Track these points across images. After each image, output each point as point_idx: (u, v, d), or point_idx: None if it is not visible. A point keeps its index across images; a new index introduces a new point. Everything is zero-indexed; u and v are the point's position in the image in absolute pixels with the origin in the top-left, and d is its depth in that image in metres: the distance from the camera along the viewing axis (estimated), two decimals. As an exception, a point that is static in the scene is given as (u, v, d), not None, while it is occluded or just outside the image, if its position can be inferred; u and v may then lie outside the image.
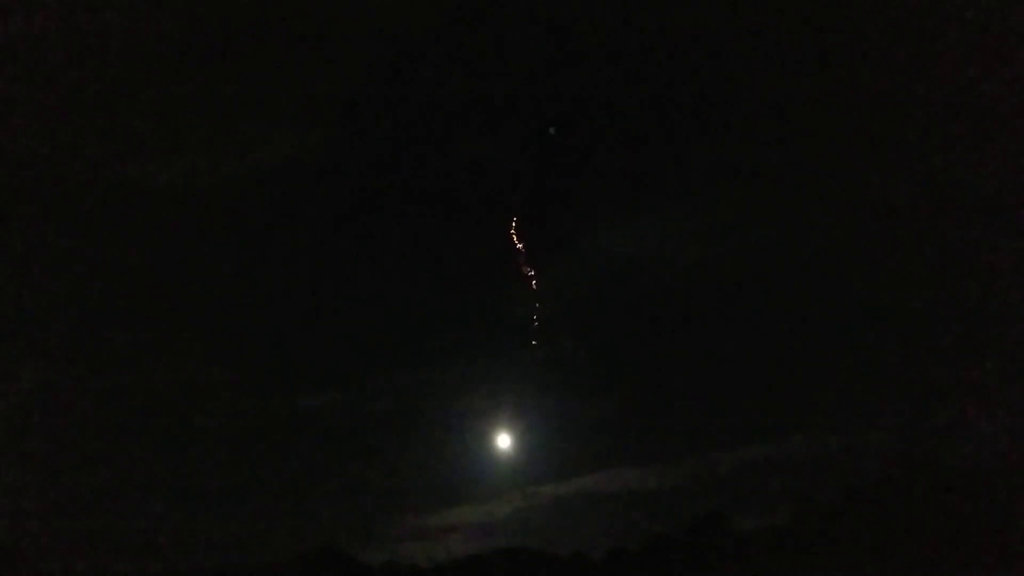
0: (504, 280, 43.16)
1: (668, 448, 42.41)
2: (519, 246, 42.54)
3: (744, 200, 43.68)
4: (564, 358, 42.99)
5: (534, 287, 42.48)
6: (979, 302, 37.12)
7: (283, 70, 41.69)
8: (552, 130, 42.31)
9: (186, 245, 42.38)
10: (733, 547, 39.54)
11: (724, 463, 41.60)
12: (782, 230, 43.06)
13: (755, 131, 42.61)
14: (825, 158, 41.72)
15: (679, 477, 41.97)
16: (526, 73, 42.72)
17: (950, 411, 36.85)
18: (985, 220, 37.18)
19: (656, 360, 43.90)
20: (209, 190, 42.00)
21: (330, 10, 40.57)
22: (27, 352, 38.64)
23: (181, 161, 41.60)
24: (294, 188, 43.87)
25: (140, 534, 39.08)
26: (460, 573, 40.85)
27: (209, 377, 42.22)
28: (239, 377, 42.75)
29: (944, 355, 37.53)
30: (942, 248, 38.48)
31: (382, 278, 44.58)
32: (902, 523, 35.82)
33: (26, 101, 38.35)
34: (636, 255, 45.01)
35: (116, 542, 38.62)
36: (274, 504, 41.37)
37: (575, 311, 43.90)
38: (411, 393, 43.91)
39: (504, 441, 41.20)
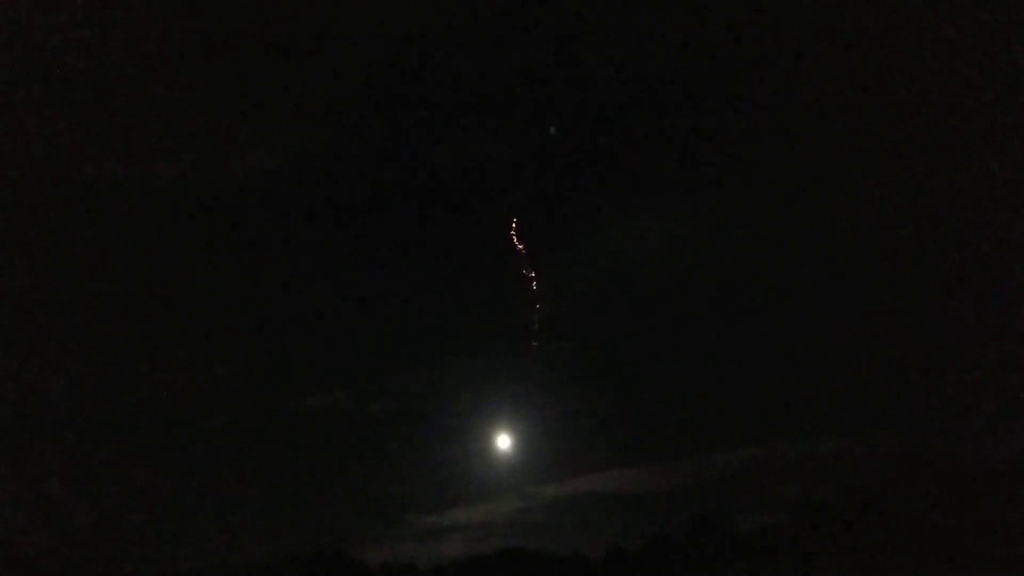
0: (504, 281, 43.22)
1: (668, 449, 42.46)
2: (519, 247, 42.58)
3: (745, 200, 43.73)
4: (564, 359, 43.03)
5: (534, 288, 42.52)
6: (979, 302, 37.12)
7: (283, 70, 41.77)
8: (552, 130, 42.38)
9: (186, 245, 42.44)
10: (732, 548, 39.50)
11: (723, 464, 41.65)
12: (783, 231, 43.10)
13: (756, 131, 42.62)
14: (826, 158, 41.73)
15: (679, 478, 42.00)
16: (526, 73, 42.80)
17: (950, 412, 36.88)
18: (985, 220, 37.17)
19: (656, 361, 43.90)
20: (210, 190, 42.13)
21: (330, 10, 40.61)
22: (27, 352, 38.60)
23: (181, 161, 41.68)
24: (295, 188, 43.93)
25: (140, 534, 39.11)
26: (459, 573, 40.82)
27: (209, 377, 42.28)
28: (238, 378, 42.84)
29: (944, 356, 37.58)
30: (942, 248, 38.47)
31: (382, 278, 44.59)
32: (902, 524, 35.81)
33: (25, 102, 38.38)
34: (636, 256, 44.97)
35: (116, 542, 38.64)
36: (274, 505, 41.42)
37: (575, 312, 43.91)
38: (411, 394, 43.96)
39: (504, 441, 41.24)
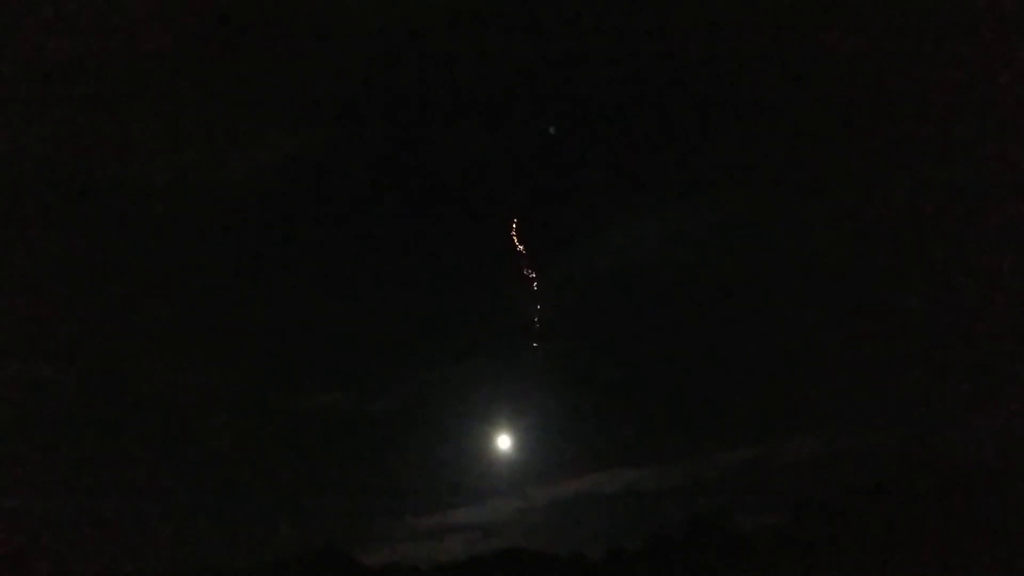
0: (505, 281, 43.25)
1: (667, 448, 42.51)
2: (520, 247, 42.60)
3: (744, 201, 43.77)
4: (564, 359, 43.07)
5: (535, 288, 42.54)
6: (978, 302, 37.11)
7: (283, 70, 41.73)
8: (552, 129, 42.39)
9: (186, 245, 42.46)
10: (732, 547, 39.51)
11: (722, 463, 41.70)
12: (782, 231, 43.13)
13: (756, 132, 42.66)
14: (824, 159, 41.78)
15: (678, 477, 42.06)
16: (526, 73, 42.80)
17: (949, 411, 36.89)
18: (984, 220, 37.17)
19: (655, 361, 43.96)
20: (210, 190, 42.12)
21: (330, 10, 40.63)
22: (28, 353, 38.64)
23: (181, 161, 41.72)
24: (295, 189, 43.97)
25: (140, 534, 39.16)
26: (459, 574, 40.83)
27: (209, 378, 42.35)
28: (239, 378, 42.88)
29: (943, 355, 37.56)
30: (941, 248, 38.49)
31: (382, 279, 44.66)
32: (901, 523, 35.80)
33: (27, 102, 38.41)
34: (636, 256, 45.09)
35: (116, 542, 38.67)
36: (274, 505, 41.44)
37: (575, 312, 43.95)
38: (411, 394, 44.06)
39: (504, 442, 41.29)
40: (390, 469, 42.45)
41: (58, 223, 39.54)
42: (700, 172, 43.76)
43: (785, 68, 40.68)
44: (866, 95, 39.50)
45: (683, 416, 42.91)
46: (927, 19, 37.44)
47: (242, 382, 42.65)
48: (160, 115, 40.81)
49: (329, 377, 43.81)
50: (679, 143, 43.87)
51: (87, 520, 38.26)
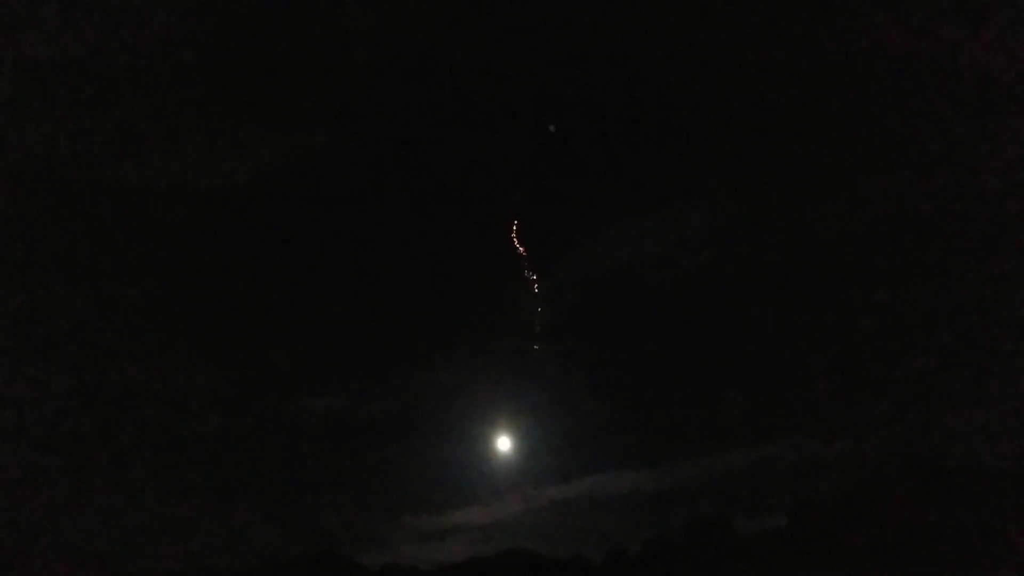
0: (505, 283, 43.28)
1: (668, 451, 42.46)
2: (520, 249, 42.62)
3: (744, 203, 43.79)
4: (565, 361, 43.05)
5: (535, 290, 42.54)
6: (977, 304, 37.06)
7: (284, 72, 41.95)
8: (552, 128, 42.43)
9: (186, 247, 42.59)
10: (733, 549, 39.41)
11: (723, 466, 41.62)
12: (782, 234, 43.13)
13: (756, 133, 42.70)
14: (823, 161, 41.80)
15: (679, 480, 42.01)
16: (526, 75, 42.91)
17: (948, 413, 36.76)
18: (983, 222, 37.15)
19: (656, 363, 43.94)
20: (210, 192, 42.26)
21: (330, 12, 40.83)
22: (29, 354, 38.70)
23: (183, 164, 41.87)
24: (294, 190, 44.09)
25: (141, 535, 39.14)
26: (461, 575, 40.79)
27: (209, 380, 42.36)
28: (240, 380, 42.93)
29: (942, 357, 37.48)
30: (940, 250, 38.47)
31: (382, 281, 44.74)
32: (900, 525, 35.67)
33: (29, 104, 38.59)
34: (637, 259, 45.09)
35: (117, 543, 38.65)
36: (275, 506, 41.49)
37: (576, 314, 43.95)
38: (412, 396, 44.06)
39: (505, 444, 41.25)
40: (391, 470, 42.51)
41: (58, 223, 39.65)
42: (700, 174, 43.81)
43: (785, 68, 40.77)
44: (866, 95, 39.58)
45: (683, 418, 42.88)
46: (927, 19, 37.48)
47: (242, 384, 42.78)
48: (160, 116, 41.08)
49: (329, 379, 43.95)
50: (679, 145, 43.97)
51: (87, 520, 38.29)
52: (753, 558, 38.45)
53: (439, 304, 44.32)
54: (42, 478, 37.85)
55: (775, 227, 42.95)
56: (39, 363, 38.56)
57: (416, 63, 42.93)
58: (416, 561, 41.62)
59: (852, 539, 36.51)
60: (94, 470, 39.05)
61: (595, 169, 44.72)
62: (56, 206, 39.75)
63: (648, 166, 44.57)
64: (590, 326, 44.30)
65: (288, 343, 43.70)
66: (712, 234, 44.27)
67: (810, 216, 42.15)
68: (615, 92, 43.27)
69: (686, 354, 43.49)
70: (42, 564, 36.82)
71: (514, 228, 42.74)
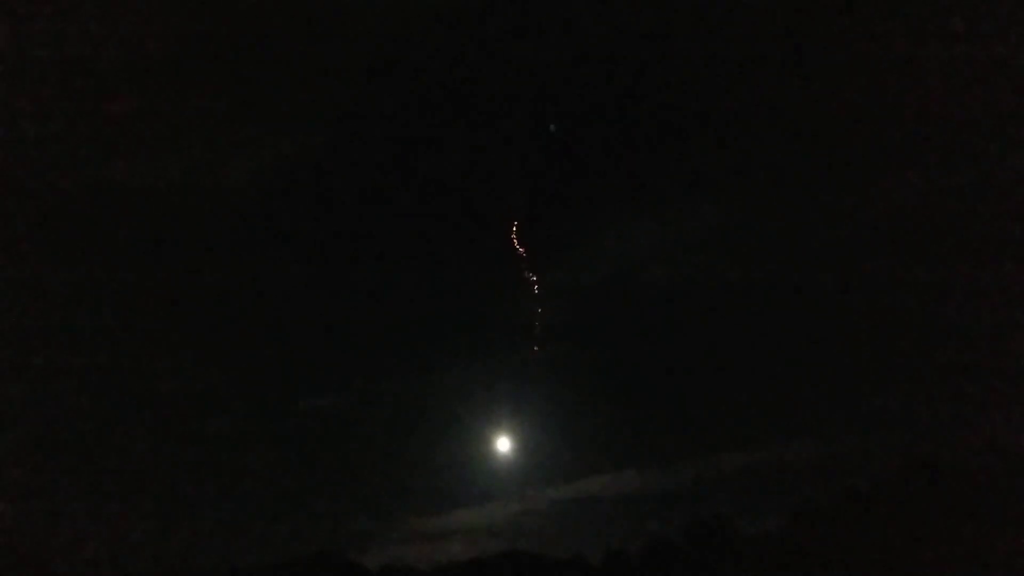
0: (505, 285, 43.27)
1: (667, 452, 42.46)
2: (520, 251, 42.60)
3: (744, 204, 43.76)
4: (565, 362, 43.05)
5: (535, 292, 42.52)
6: (977, 306, 36.97)
7: (284, 73, 41.99)
8: (552, 127, 42.40)
9: (184, 248, 42.68)
10: (732, 550, 39.37)
11: (723, 467, 41.60)
12: (783, 236, 43.11)
13: (756, 134, 42.64)
14: (824, 163, 41.78)
15: (678, 481, 42.00)
16: (527, 77, 42.90)
17: (948, 415, 36.70)
18: (984, 221, 37.06)
19: (656, 365, 43.95)
20: (210, 193, 42.30)
21: (330, 13, 40.81)
22: (30, 355, 38.79)
23: (183, 165, 41.93)
24: (295, 192, 44.16)
25: (141, 536, 39.20)
26: (459, 575, 40.81)
27: (209, 380, 42.46)
28: (239, 380, 42.99)
29: (942, 359, 37.40)
30: (940, 252, 38.40)
31: (382, 282, 44.77)
32: (900, 526, 35.61)
33: (30, 106, 38.64)
34: (637, 260, 45.11)
35: (116, 544, 38.73)
36: (274, 507, 41.54)
37: (576, 316, 43.95)
38: (411, 397, 44.08)
39: (504, 445, 41.26)
40: (391, 471, 42.55)
41: (59, 225, 39.74)
42: (700, 176, 43.80)
43: (785, 69, 40.74)
44: (866, 95, 39.51)
45: (683, 419, 42.87)
46: (927, 19, 37.37)
47: (243, 384, 42.88)
48: (162, 118, 41.10)
49: (330, 379, 44.03)
50: (679, 147, 43.96)
51: (87, 521, 38.38)
52: (752, 559, 38.41)
53: (439, 305, 44.39)
54: (41, 479, 38.00)
55: (776, 229, 42.99)
56: (38, 363, 38.71)
57: (416, 63, 42.99)
58: (416, 561, 41.75)
59: (852, 540, 36.45)
60: (93, 470, 39.21)
61: (595, 170, 44.75)
62: (55, 206, 39.86)
63: (649, 167, 44.59)
64: (590, 327, 44.35)
65: (288, 344, 43.82)
66: (712, 236, 44.36)
67: (811, 218, 42.17)
68: (615, 92, 43.22)
69: (686, 356, 43.55)
70: (41, 564, 36.93)
71: (514, 229, 42.71)
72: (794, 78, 40.69)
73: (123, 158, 41.23)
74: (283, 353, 43.84)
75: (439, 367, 43.89)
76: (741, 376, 42.21)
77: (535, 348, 42.15)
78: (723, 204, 43.61)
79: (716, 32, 41.31)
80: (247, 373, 43.04)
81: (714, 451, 41.89)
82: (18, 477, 37.53)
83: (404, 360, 44.30)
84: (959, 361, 36.52)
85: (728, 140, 42.86)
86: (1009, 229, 36.16)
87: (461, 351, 43.69)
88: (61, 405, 39.32)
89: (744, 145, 42.53)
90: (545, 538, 41.89)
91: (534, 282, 42.43)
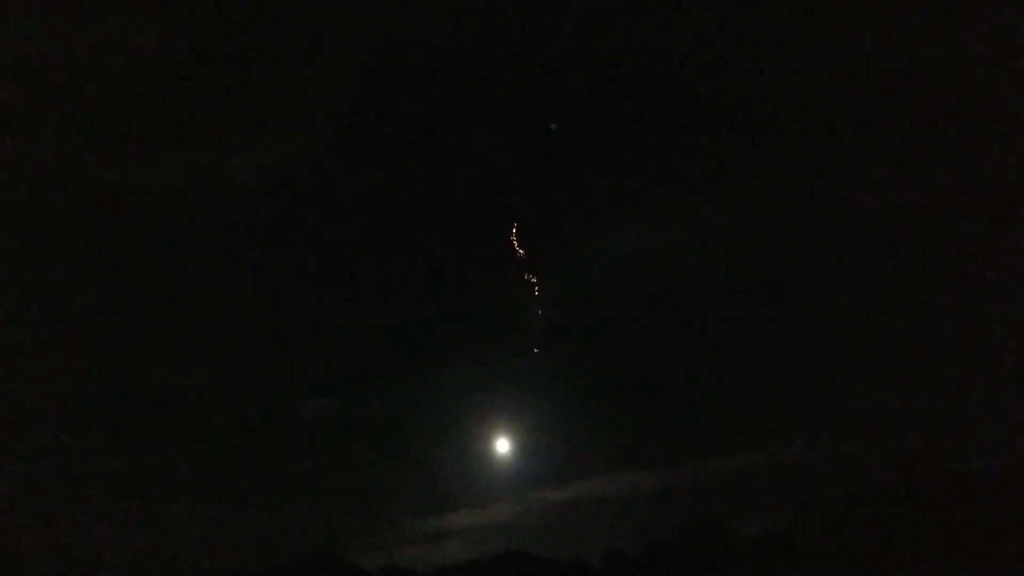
0: (505, 285, 43.24)
1: (667, 453, 42.35)
2: (520, 251, 42.58)
3: (745, 205, 43.72)
4: (564, 363, 43.01)
5: (535, 292, 42.49)
6: (977, 307, 36.94)
7: (283, 74, 41.96)
8: (553, 126, 42.40)
9: (183, 249, 42.61)
10: (731, 552, 39.34)
11: (722, 468, 41.53)
12: (784, 236, 43.03)
13: (758, 134, 42.62)
14: (827, 162, 41.73)
15: (678, 482, 41.88)
16: (527, 77, 42.92)
17: (948, 416, 36.67)
18: (984, 221, 37.06)
19: (656, 365, 43.85)
20: (210, 193, 42.25)
21: (329, 13, 40.83)
22: (27, 354, 38.72)
23: (182, 165, 41.86)
24: (294, 192, 44.11)
25: (138, 537, 39.13)
26: (458, 577, 40.83)
27: (207, 381, 42.38)
28: (237, 381, 42.91)
29: (942, 360, 37.38)
30: (940, 253, 38.36)
31: (382, 282, 44.69)
32: (900, 528, 35.61)
33: (30, 107, 38.63)
34: (637, 261, 45.06)
35: (114, 545, 38.65)
36: (272, 508, 41.43)
37: (576, 316, 43.91)
38: (410, 397, 43.99)
39: (503, 445, 41.23)
40: (388, 472, 42.47)
41: (60, 225, 39.69)
42: (701, 175, 43.74)
43: (785, 69, 40.73)
44: (866, 95, 39.51)
45: (683, 420, 42.78)
46: (927, 19, 37.42)
47: (240, 384, 42.76)
48: (162, 117, 41.09)
49: (327, 380, 43.91)
50: (680, 146, 43.88)
51: (85, 521, 38.30)
52: (751, 560, 38.38)
53: (437, 306, 44.29)
54: (39, 480, 37.93)
55: (776, 230, 42.92)
56: (37, 363, 38.66)
57: (416, 63, 42.97)
58: (414, 563, 41.72)
59: (851, 541, 36.44)
60: (91, 470, 39.09)
61: (595, 170, 44.69)
62: (54, 207, 39.78)
63: (650, 166, 44.52)
64: (590, 328, 44.27)
65: (286, 344, 43.70)
66: (712, 236, 44.26)
67: (811, 219, 42.13)
68: (616, 92, 43.21)
69: (685, 356, 43.46)
70: (40, 565, 36.85)
71: (513, 229, 42.69)
72: (796, 78, 40.64)
73: (122, 157, 41.22)
74: (280, 353, 43.74)
75: (438, 368, 43.86)
76: (741, 377, 42.18)
77: (535, 349, 42.16)
78: (724, 205, 43.58)
79: (717, 32, 41.29)
80: (245, 373, 42.97)
81: (713, 452, 41.88)
82: (16, 478, 37.49)
83: (403, 361, 44.22)
84: (959, 362, 36.61)
85: (729, 140, 42.80)
86: (1010, 231, 36.22)
87: (460, 352, 43.66)
88: (59, 405, 39.22)
89: (745, 145, 42.51)
90: (544, 539, 41.89)
91: (534, 283, 42.45)
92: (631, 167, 44.47)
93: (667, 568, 39.69)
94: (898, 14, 38.42)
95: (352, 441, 43.31)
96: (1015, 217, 36.26)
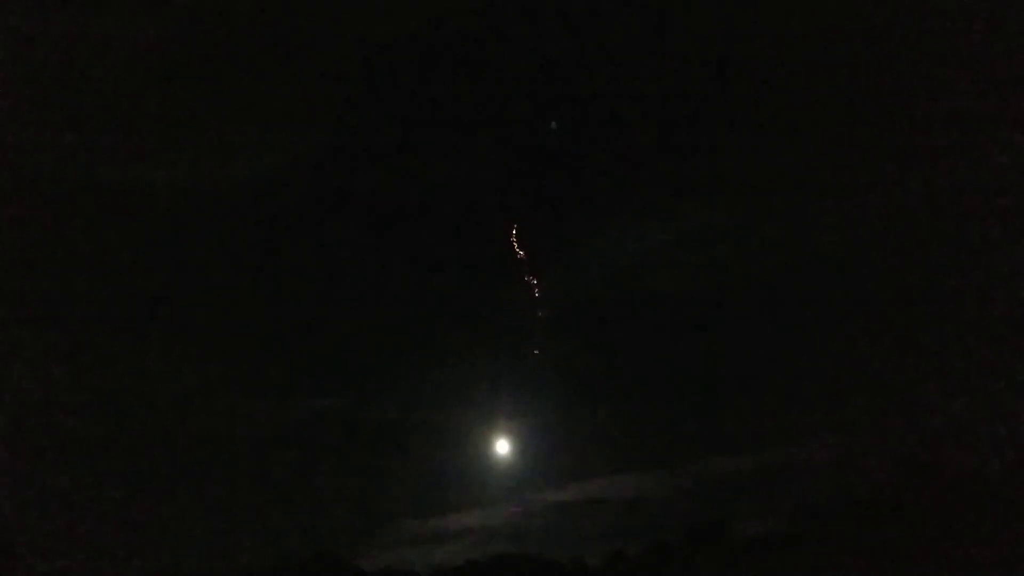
0: (505, 286, 43.27)
1: (668, 454, 42.29)
2: (520, 252, 42.59)
3: (747, 204, 43.73)
4: (564, 364, 42.97)
5: (535, 294, 42.50)
6: (978, 307, 36.93)
7: (278, 73, 42.07)
8: (554, 124, 42.46)
9: (182, 249, 42.67)
10: (733, 554, 39.24)
11: (724, 469, 41.42)
12: (784, 235, 43.04)
13: (759, 134, 42.66)
14: (827, 161, 41.72)
15: (679, 483, 41.81)
16: (527, 77, 43.01)
17: (949, 416, 36.62)
18: (984, 221, 37.05)
19: (656, 366, 43.80)
20: (207, 194, 42.33)
21: (329, 13, 40.95)
22: (25, 353, 38.74)
23: (180, 164, 42.00)
24: (293, 193, 44.15)
25: (136, 538, 39.04)
26: (458, 578, 40.73)
27: (206, 380, 42.32)
28: (237, 381, 42.88)
29: (943, 360, 37.33)
30: (941, 253, 38.35)
31: (381, 283, 44.67)
32: (903, 529, 35.52)
33: (28, 105, 38.74)
34: (637, 261, 45.05)
35: (113, 546, 38.57)
36: (271, 509, 41.36)
37: (576, 317, 43.90)
38: (410, 398, 43.92)
39: (503, 447, 41.22)
40: (388, 473, 42.40)
41: (58, 225, 39.75)
42: (702, 174, 43.75)
43: (785, 69, 40.78)
44: (866, 95, 39.54)
45: (684, 421, 42.72)
46: (927, 19, 37.47)
47: (239, 385, 42.74)
48: (161, 116, 41.19)
49: (327, 381, 43.89)
50: (680, 145, 43.91)
51: (84, 522, 38.25)
52: (753, 562, 38.28)
53: (437, 306, 44.29)
54: (38, 480, 37.88)
55: (777, 229, 42.92)
56: (35, 363, 38.67)
57: (416, 64, 43.08)
58: (414, 564, 41.58)
59: (854, 544, 36.33)
60: (91, 470, 39.08)
61: (596, 170, 44.72)
62: (53, 207, 39.88)
63: (649, 168, 44.54)
64: (590, 329, 44.27)
65: (286, 345, 43.68)
66: (712, 236, 44.27)
67: (813, 219, 42.10)
68: (616, 91, 43.28)
69: (686, 357, 43.38)
70: (39, 564, 36.79)
71: (514, 230, 42.73)
72: (796, 78, 40.71)
73: (121, 157, 41.32)
74: (280, 354, 43.73)
75: (438, 369, 43.80)
76: (741, 378, 42.12)
77: (535, 350, 42.16)
78: (724, 205, 43.59)
79: (718, 32, 41.37)
80: (243, 374, 42.97)
81: (714, 453, 41.85)
82: (10, 476, 37.45)
83: (402, 362, 44.21)
84: (960, 363, 36.56)
85: (730, 141, 42.85)
86: (1011, 231, 36.21)
87: (460, 353, 43.63)
88: (59, 405, 39.23)
89: (746, 146, 42.53)
90: (544, 541, 41.74)
91: (534, 284, 42.46)
92: (631, 166, 44.53)
93: (668, 569, 39.58)
94: (898, 15, 38.57)
95: (351, 442, 43.31)
96: (1017, 217, 36.29)
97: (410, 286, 44.51)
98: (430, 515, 42.28)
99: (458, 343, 43.66)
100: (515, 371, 42.09)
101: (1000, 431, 34.91)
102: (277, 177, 43.29)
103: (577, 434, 41.98)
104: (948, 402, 36.43)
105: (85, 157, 40.24)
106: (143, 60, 39.31)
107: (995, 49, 36.34)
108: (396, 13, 41.06)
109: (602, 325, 44.43)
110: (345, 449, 42.83)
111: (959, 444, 36.10)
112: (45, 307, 39.22)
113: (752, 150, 42.37)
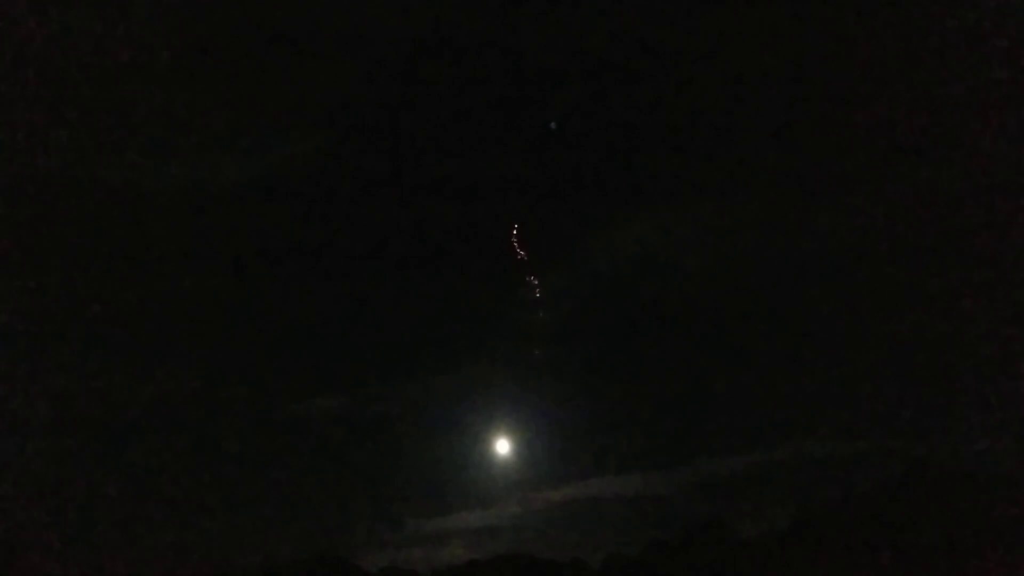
0: (506, 287, 43.33)
1: (667, 454, 42.37)
2: (521, 253, 42.66)
3: (746, 206, 43.82)
4: (565, 365, 43.05)
5: (536, 294, 42.56)
6: (979, 306, 36.95)
7: (283, 75, 42.19)
8: (553, 124, 42.53)
9: (185, 249, 42.81)
10: (731, 553, 39.25)
11: (723, 469, 41.52)
12: (783, 237, 43.14)
13: (759, 137, 42.76)
14: (827, 164, 41.83)
15: (678, 483, 41.89)
16: (527, 79, 43.12)
17: (948, 416, 36.67)
18: (984, 222, 37.11)
19: (656, 366, 43.91)
20: (210, 195, 42.47)
21: (329, 15, 41.06)
22: (27, 356, 38.82)
23: (183, 167, 42.07)
24: (293, 194, 44.29)
25: (141, 538, 39.15)
26: (459, 578, 40.75)
27: (209, 382, 42.44)
28: (239, 383, 42.97)
29: (942, 361, 37.41)
30: (940, 252, 38.44)
31: (383, 285, 44.83)
32: (900, 528, 35.53)
33: (31, 107, 38.77)
34: (637, 263, 45.14)
35: (116, 546, 38.66)
36: (274, 509, 41.47)
37: (577, 318, 43.99)
38: (412, 399, 44.06)
39: (503, 447, 41.20)
40: (391, 473, 42.51)
41: (60, 227, 39.83)
42: (702, 177, 43.89)
43: (786, 70, 40.89)
44: (866, 96, 39.63)
45: (683, 422, 42.82)
46: (927, 21, 37.52)
47: (243, 387, 42.84)
48: (161, 121, 41.25)
49: (330, 382, 44.01)
50: (680, 149, 44.06)
51: (87, 521, 38.33)
52: (752, 562, 38.29)
53: (440, 309, 44.41)
54: (41, 481, 37.94)
55: (777, 233, 43.01)
56: (38, 365, 38.75)
57: (416, 64, 43.19)
58: (415, 564, 41.67)
59: (851, 543, 36.35)
60: (92, 473, 39.16)
61: (596, 174, 44.84)
62: (53, 207, 39.94)
63: (649, 171, 44.69)
64: (590, 330, 44.36)
65: (289, 346, 43.83)
66: (712, 238, 44.34)
67: (812, 222, 42.22)
68: (616, 91, 43.39)
69: (686, 358, 43.51)
70: (40, 564, 36.84)
71: (514, 232, 42.80)
72: (797, 80, 40.79)
73: (122, 160, 41.39)
74: (284, 356, 43.86)
75: (439, 370, 43.94)
76: (742, 379, 42.23)
77: (536, 351, 42.21)
78: (724, 206, 43.66)
79: (718, 32, 41.45)
80: (248, 376, 43.09)
81: (714, 454, 41.90)
82: (13, 477, 37.51)
83: (404, 363, 44.33)
84: (960, 364, 36.62)
85: (730, 141, 42.96)
86: (1010, 233, 36.25)
87: (462, 354, 43.74)
88: (60, 406, 39.31)
89: (746, 147, 42.65)
90: (545, 541, 41.85)
91: (534, 286, 42.52)
92: (632, 169, 44.73)
93: (667, 568, 39.59)
94: (898, 16, 38.63)
95: (353, 443, 43.45)
96: (1015, 219, 36.32)
97: (411, 287, 44.72)
98: (431, 515, 42.44)
99: (459, 344, 43.83)
100: (517, 372, 42.24)
101: (1000, 431, 34.96)
102: (277, 177, 43.53)
103: (578, 435, 42.13)
104: (947, 406, 36.53)
105: (85, 157, 40.35)
106: (143, 60, 39.37)
107: (995, 52, 36.37)
108: (396, 14, 41.25)
109: (603, 326, 44.61)
110: (347, 449, 43.01)
111: (959, 444, 36.19)
112: (45, 307, 39.28)
113: (754, 151, 42.60)
